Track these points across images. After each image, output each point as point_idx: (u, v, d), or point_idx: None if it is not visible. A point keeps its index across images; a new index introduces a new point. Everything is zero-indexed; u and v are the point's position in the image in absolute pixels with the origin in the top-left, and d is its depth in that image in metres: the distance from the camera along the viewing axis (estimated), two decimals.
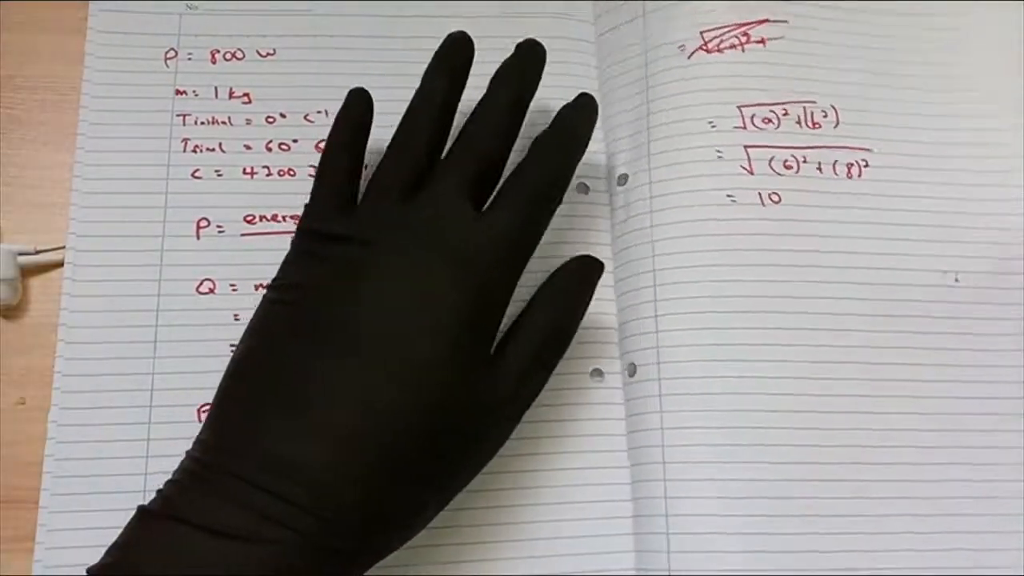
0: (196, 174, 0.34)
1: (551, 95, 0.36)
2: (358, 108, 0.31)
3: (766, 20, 0.36)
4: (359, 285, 0.27)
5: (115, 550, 0.24)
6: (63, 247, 0.33)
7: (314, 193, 0.30)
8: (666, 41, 0.36)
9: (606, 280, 0.33)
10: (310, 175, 0.34)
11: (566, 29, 0.37)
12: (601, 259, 0.31)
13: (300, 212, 0.32)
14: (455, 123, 0.31)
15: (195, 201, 0.34)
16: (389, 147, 0.30)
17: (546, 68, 0.36)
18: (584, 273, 0.30)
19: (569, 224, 0.35)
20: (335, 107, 0.34)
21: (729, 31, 0.36)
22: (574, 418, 0.32)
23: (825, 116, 0.35)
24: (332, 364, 0.26)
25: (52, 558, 0.29)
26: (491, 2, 0.38)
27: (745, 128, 0.35)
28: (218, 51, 0.36)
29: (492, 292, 0.28)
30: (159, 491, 0.25)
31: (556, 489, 0.31)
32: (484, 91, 0.32)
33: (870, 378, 0.32)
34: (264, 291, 0.31)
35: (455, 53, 0.32)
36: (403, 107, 0.33)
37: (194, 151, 0.34)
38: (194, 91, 0.35)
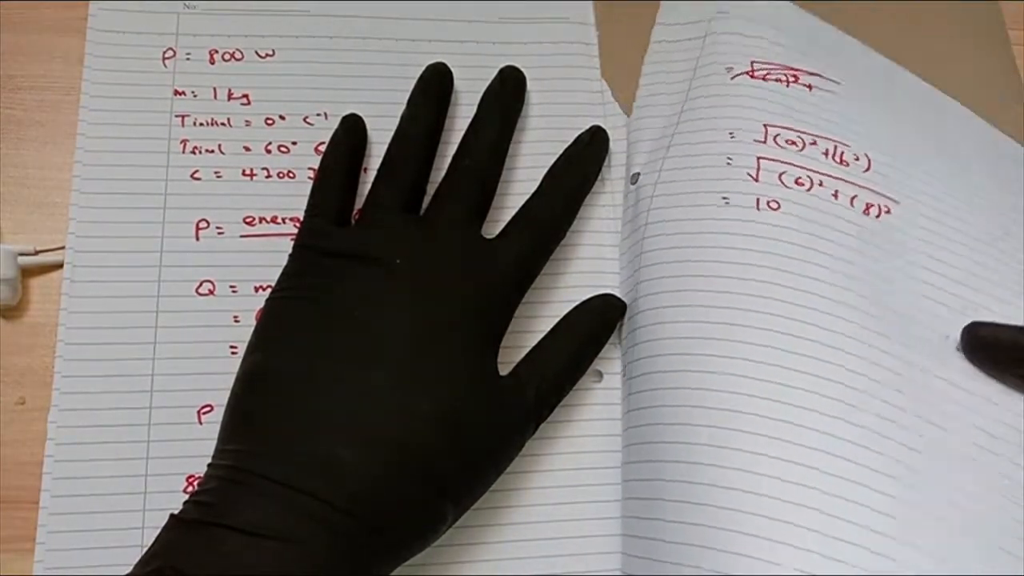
0: (195, 175, 0.34)
1: (552, 99, 0.36)
2: (355, 133, 0.33)
3: (818, 75, 0.35)
4: (378, 300, 0.28)
5: (152, 558, 0.24)
6: (63, 247, 0.33)
7: (313, 211, 0.31)
8: (715, 62, 0.35)
9: (611, 281, 0.34)
10: (309, 177, 0.34)
11: (566, 32, 0.37)
12: (609, 259, 0.34)
13: (300, 214, 0.32)
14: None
15: (194, 202, 0.33)
16: (381, 168, 0.32)
17: (547, 73, 0.36)
18: (606, 315, 0.32)
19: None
20: (335, 109, 0.35)
21: (779, 69, 0.35)
22: (573, 419, 0.32)
23: (856, 160, 0.33)
24: (359, 374, 0.27)
25: (52, 559, 0.29)
26: (491, 3, 0.37)
27: (765, 142, 0.33)
28: (216, 51, 0.36)
29: (501, 313, 0.30)
30: (189, 500, 0.26)
31: (554, 490, 0.32)
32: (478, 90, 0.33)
33: (854, 387, 0.29)
34: (263, 293, 0.31)
35: (438, 82, 0.34)
36: (402, 109, 0.33)
37: (193, 152, 0.34)
38: (193, 92, 0.35)
